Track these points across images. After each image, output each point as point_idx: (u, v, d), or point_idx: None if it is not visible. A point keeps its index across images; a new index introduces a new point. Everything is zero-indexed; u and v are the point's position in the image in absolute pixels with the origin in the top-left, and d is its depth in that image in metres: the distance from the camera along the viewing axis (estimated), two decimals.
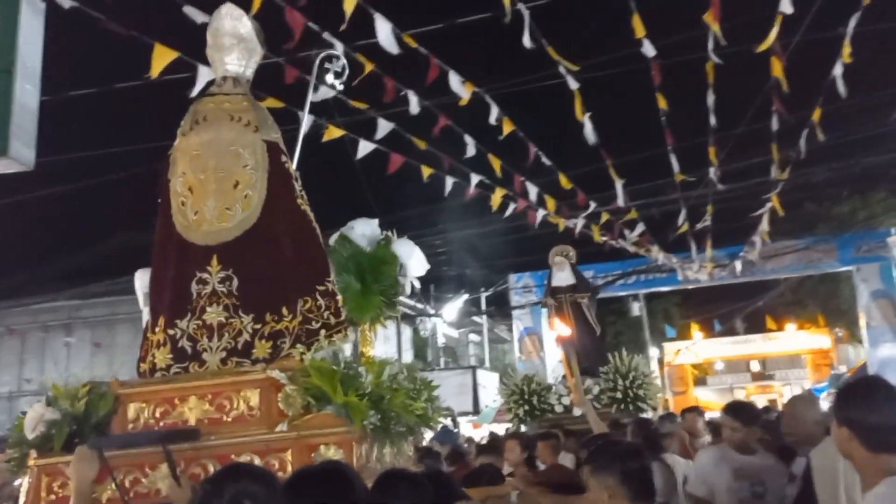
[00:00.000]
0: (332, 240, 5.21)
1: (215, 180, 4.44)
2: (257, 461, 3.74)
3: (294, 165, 4.88)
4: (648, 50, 8.27)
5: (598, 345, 11.26)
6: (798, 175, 13.26)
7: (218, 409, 4.05)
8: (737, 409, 5.49)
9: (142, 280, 5.01)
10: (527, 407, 10.67)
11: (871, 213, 24.30)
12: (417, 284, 5.28)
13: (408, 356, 28.39)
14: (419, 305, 24.68)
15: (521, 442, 7.09)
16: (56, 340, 23.88)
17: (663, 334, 33.07)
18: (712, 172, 12.16)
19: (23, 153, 4.46)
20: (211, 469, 3.71)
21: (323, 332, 4.32)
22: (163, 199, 4.59)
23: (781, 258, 20.98)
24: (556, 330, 11.73)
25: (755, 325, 34.81)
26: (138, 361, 4.50)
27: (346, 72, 5.58)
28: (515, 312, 23.62)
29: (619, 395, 10.23)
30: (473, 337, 32.20)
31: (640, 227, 15.49)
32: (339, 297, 4.52)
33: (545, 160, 10.91)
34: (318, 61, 5.50)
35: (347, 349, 4.59)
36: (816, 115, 9.53)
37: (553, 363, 23.03)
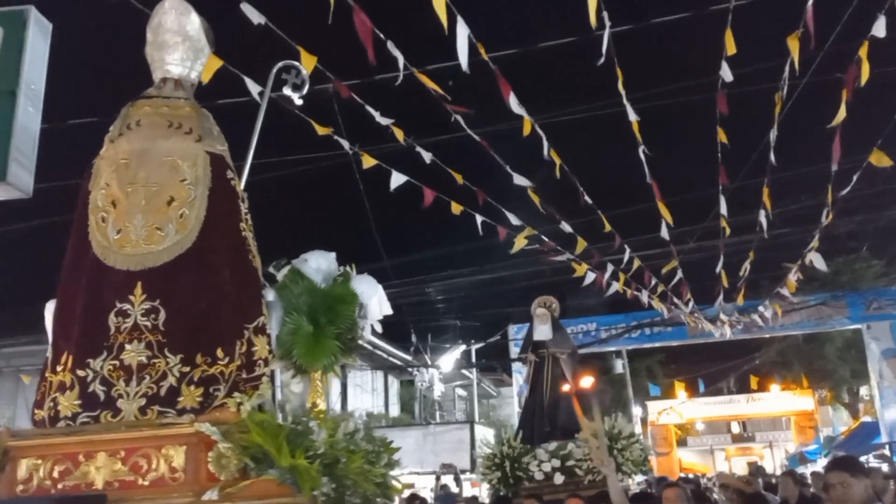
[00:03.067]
0: (281, 274, 4.50)
1: (145, 195, 3.77)
2: None
3: (242, 185, 4.21)
4: (727, 74, 7.52)
5: (569, 410, 9.97)
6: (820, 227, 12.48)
7: (132, 469, 3.31)
8: None
9: (52, 313, 4.29)
10: (499, 473, 9.32)
11: (883, 271, 23.82)
12: (379, 328, 4.53)
13: (394, 410, 27.48)
14: (406, 356, 23.96)
15: None
16: None
17: (647, 393, 32.36)
18: (762, 216, 11.03)
19: (22, 179, 4.18)
20: None
21: (265, 379, 3.61)
22: (79, 214, 3.90)
23: (790, 315, 20.32)
24: (581, 383, 10.82)
25: (740, 386, 34.34)
26: (33, 407, 3.74)
27: (307, 85, 4.96)
28: (516, 365, 22.69)
29: None
30: (460, 392, 31.31)
31: (679, 275, 14.48)
32: (271, 336, 3.85)
33: (587, 199, 10.15)
34: (274, 71, 4.88)
35: (295, 400, 3.88)
36: (878, 159, 8.58)
37: None
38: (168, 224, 3.73)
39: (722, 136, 8.80)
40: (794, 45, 7.09)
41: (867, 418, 25.38)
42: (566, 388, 9.81)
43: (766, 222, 11.18)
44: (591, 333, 22.52)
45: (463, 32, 5.84)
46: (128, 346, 3.55)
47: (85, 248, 3.75)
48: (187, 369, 3.56)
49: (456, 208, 9.47)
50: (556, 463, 8.92)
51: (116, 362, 3.54)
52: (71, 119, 8.32)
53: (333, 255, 4.46)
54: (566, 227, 11.06)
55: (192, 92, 4.15)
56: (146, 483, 3.29)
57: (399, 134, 7.73)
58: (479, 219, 10.05)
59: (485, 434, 22.74)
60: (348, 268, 4.42)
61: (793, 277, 14.87)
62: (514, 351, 23.14)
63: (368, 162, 8.04)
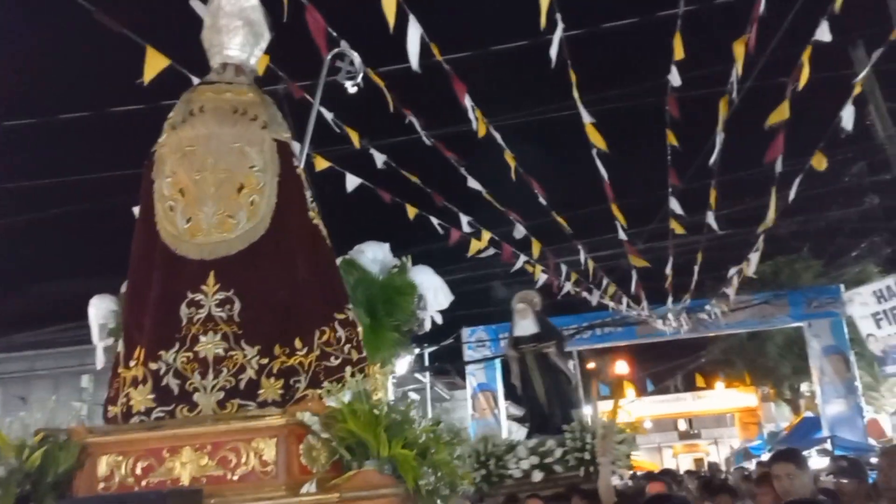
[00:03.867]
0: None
1: (214, 182, 3.64)
2: None
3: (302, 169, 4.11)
4: (675, 79, 7.61)
5: (568, 399, 10.05)
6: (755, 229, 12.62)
7: (220, 463, 3.18)
8: None
9: (97, 308, 4.16)
10: (483, 471, 9.06)
11: (821, 270, 24.33)
12: (439, 319, 4.47)
13: None
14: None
15: None
16: None
17: (597, 392, 32.73)
18: (710, 217, 11.19)
19: None
20: None
21: (348, 369, 3.51)
22: (144, 204, 3.76)
23: (735, 314, 20.57)
24: (617, 370, 10.82)
25: (686, 384, 35.00)
26: (106, 403, 3.60)
27: (362, 72, 4.87)
28: (469, 368, 22.54)
29: (587, 455, 8.71)
30: (413, 395, 31.11)
31: (634, 277, 14.79)
32: (360, 328, 3.74)
33: (542, 200, 10.08)
34: (328, 59, 4.77)
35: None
36: (818, 162, 8.83)
37: (507, 422, 22.34)
38: (239, 211, 3.62)
39: (672, 139, 8.89)
40: (739, 50, 7.20)
41: (808, 414, 26.03)
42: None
43: (716, 223, 11.39)
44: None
45: (415, 32, 5.71)
46: (202, 338, 3.43)
47: (153, 238, 3.61)
48: (266, 361, 3.45)
49: (412, 211, 9.34)
50: (535, 460, 8.82)
51: (190, 354, 3.42)
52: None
53: (388, 245, 4.41)
54: (521, 230, 11.05)
55: (252, 77, 4.03)
56: (235, 478, 3.16)
57: (354, 136, 7.61)
58: (434, 221, 9.95)
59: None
60: (404, 258, 4.37)
61: (737, 277, 15.13)
62: (468, 353, 23.02)
63: (321, 164, 7.76)
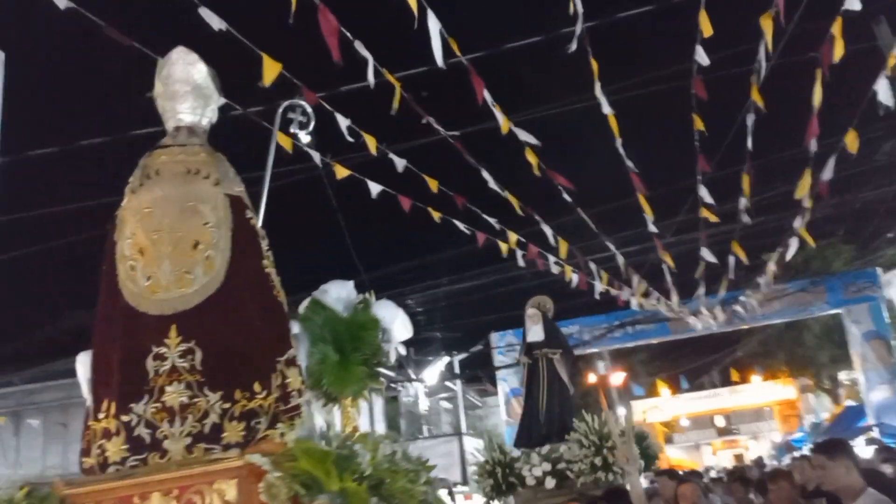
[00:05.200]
0: (303, 306, 4.67)
1: (171, 241, 3.89)
2: None
3: (259, 222, 4.35)
4: (703, 59, 7.46)
5: (569, 407, 9.88)
6: (791, 213, 12.29)
7: None
8: None
9: (84, 365, 4.39)
10: (491, 481, 9.16)
11: (854, 255, 23.73)
12: (403, 350, 4.72)
13: (380, 427, 27.33)
14: (389, 373, 23.78)
15: None
16: (5, 429, 22.15)
17: (630, 393, 32.63)
18: (743, 204, 10.91)
19: None
20: None
21: (304, 407, 3.75)
22: (107, 264, 4.03)
23: (770, 304, 20.24)
24: (613, 380, 10.81)
25: (722, 380, 34.65)
26: (81, 456, 3.87)
27: (312, 121, 5.13)
28: (500, 373, 22.55)
29: (598, 460, 8.54)
30: (445, 404, 31.25)
31: (666, 271, 14.39)
32: (302, 368, 4.01)
33: (566, 197, 10.05)
34: (280, 111, 5.03)
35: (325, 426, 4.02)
36: (852, 141, 8.44)
37: None
38: (196, 267, 3.86)
39: (699, 124, 8.76)
40: (767, 24, 6.99)
41: (850, 402, 25.68)
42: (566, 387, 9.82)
43: (747, 210, 11.07)
44: (574, 336, 21.94)
45: (434, 27, 5.79)
46: (168, 389, 3.67)
47: (116, 297, 3.87)
48: (228, 405, 3.69)
49: (436, 215, 9.42)
50: (547, 467, 8.82)
51: (159, 405, 3.66)
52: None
53: (352, 283, 4.65)
54: (547, 230, 11.05)
55: (205, 138, 4.30)
56: None
57: (371, 142, 7.54)
58: (460, 225, 10.04)
59: (474, 445, 22.67)
60: (367, 294, 4.60)
61: (773, 266, 14.87)
62: (498, 359, 23.04)
63: (341, 173, 7.77)
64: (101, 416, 3.75)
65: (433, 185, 8.72)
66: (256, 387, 3.76)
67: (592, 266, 13.66)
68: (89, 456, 3.73)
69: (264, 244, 4.15)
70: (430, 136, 8.36)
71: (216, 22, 5.69)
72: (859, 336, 20.46)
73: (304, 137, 5.21)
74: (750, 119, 8.79)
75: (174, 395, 3.67)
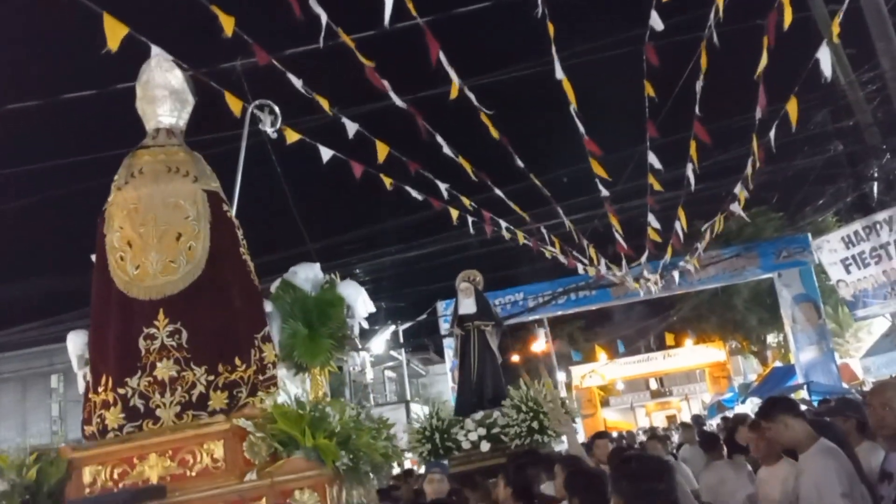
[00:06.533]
0: (274, 286, 5.21)
1: (156, 234, 4.40)
2: None
3: (233, 213, 4.86)
4: (657, 23, 7.42)
5: (500, 376, 10.43)
6: (731, 180, 12.55)
7: (180, 464, 3.98)
8: None
9: (74, 343, 4.87)
10: (429, 446, 9.54)
11: (784, 222, 24.62)
12: (365, 324, 5.31)
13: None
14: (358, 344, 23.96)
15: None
16: None
17: (569, 358, 33.68)
18: (690, 170, 10.82)
19: None
20: None
21: (279, 377, 4.33)
22: (98, 256, 4.51)
23: (706, 269, 21.01)
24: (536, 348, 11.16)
25: (658, 344, 35.83)
26: (82, 424, 4.38)
27: (279, 120, 5.61)
28: (447, 341, 22.30)
29: (535, 424, 9.11)
30: (389, 374, 31.83)
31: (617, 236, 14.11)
32: (275, 342, 4.60)
33: (519, 162, 9.94)
34: (249, 111, 5.50)
35: (299, 393, 4.59)
36: (793, 108, 8.25)
37: None
38: (179, 256, 4.37)
39: (649, 90, 8.77)
40: None
41: (777, 363, 26.83)
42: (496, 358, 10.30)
43: (693, 176, 11.09)
44: (519, 303, 22.63)
45: None
46: (159, 364, 4.21)
47: (108, 285, 4.37)
48: (212, 377, 4.24)
49: (387, 181, 9.30)
50: (483, 431, 9.31)
51: (151, 378, 4.19)
52: None
53: (318, 265, 5.21)
54: (499, 194, 11.01)
55: (182, 138, 4.77)
56: (194, 474, 3.96)
57: (325, 104, 7.39)
58: (413, 192, 9.89)
59: (420, 412, 22.99)
60: (333, 275, 5.18)
61: (710, 231, 15.15)
62: (444, 327, 22.92)
63: (292, 137, 7.41)
64: (100, 389, 4.26)
65: (383, 149, 8.48)
66: (237, 361, 4.32)
67: (544, 231, 13.72)
68: (90, 424, 4.25)
69: (240, 234, 4.66)
70: (380, 102, 8.27)
71: None
72: (790, 299, 21.31)
73: (273, 135, 5.68)
74: (698, 86, 8.89)
75: (164, 369, 4.21)
